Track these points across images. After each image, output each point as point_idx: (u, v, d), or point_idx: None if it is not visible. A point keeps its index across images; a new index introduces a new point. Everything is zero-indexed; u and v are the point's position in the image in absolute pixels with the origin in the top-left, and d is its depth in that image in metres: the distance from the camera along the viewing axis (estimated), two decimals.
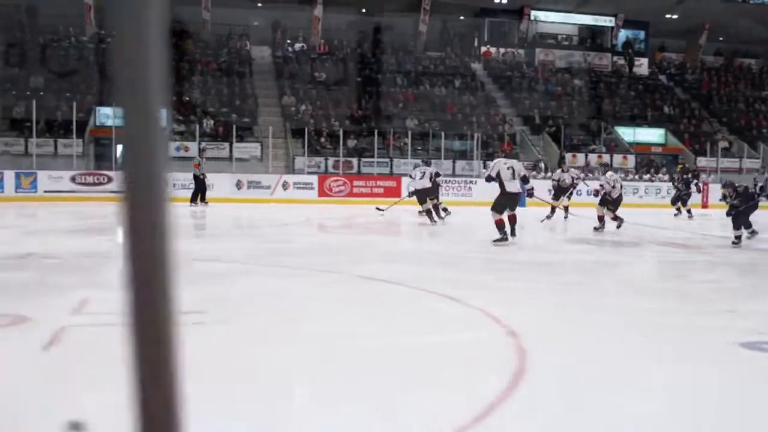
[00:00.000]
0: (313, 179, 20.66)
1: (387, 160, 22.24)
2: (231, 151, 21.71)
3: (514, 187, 9.91)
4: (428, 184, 13.36)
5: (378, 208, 15.63)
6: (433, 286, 6.49)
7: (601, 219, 12.58)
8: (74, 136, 20.91)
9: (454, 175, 22.06)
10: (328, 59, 26.56)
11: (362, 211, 16.47)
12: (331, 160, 21.79)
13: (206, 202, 17.71)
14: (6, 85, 23.70)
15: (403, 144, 22.90)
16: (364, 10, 27.99)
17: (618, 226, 12.54)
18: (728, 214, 10.94)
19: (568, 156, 23.07)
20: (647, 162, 25.02)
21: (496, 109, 26.27)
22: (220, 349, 4.23)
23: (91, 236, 10.58)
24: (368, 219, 14.85)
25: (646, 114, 27.54)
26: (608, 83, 29.15)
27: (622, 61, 30.62)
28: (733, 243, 10.66)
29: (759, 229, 11.24)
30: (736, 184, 11.53)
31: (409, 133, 22.36)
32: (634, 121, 26.97)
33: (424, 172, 13.41)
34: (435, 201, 13.69)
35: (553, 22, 30.71)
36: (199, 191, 17.75)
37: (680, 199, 17.42)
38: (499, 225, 9.85)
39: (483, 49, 29.14)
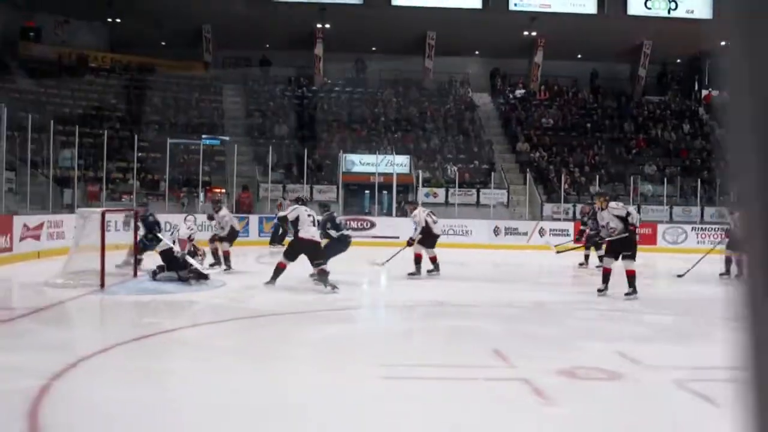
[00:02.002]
0: (569, 225, 20.57)
1: (634, 207, 21.85)
2: (478, 197, 22.10)
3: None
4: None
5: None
6: None
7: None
8: (328, 182, 22.11)
9: (702, 222, 21.47)
10: (551, 105, 26.70)
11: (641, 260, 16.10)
12: (578, 206, 21.65)
13: (283, 245, 13.68)
14: (254, 134, 25.26)
15: (647, 190, 22.56)
16: (579, 56, 28.04)
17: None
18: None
19: None
20: None
21: None
22: None
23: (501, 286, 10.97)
24: (655, 267, 14.68)
25: None
26: None
27: None
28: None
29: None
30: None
31: (665, 180, 21.91)
32: None
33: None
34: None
35: None
36: (280, 233, 15.57)
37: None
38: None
39: (704, 92, 28.43)
